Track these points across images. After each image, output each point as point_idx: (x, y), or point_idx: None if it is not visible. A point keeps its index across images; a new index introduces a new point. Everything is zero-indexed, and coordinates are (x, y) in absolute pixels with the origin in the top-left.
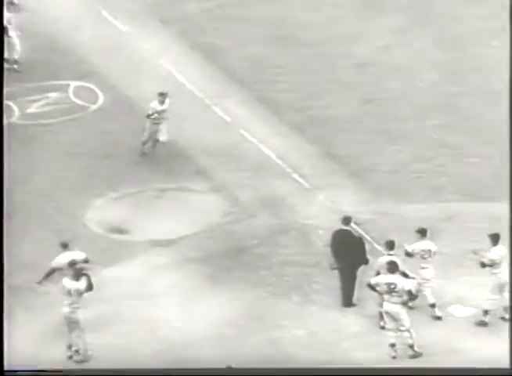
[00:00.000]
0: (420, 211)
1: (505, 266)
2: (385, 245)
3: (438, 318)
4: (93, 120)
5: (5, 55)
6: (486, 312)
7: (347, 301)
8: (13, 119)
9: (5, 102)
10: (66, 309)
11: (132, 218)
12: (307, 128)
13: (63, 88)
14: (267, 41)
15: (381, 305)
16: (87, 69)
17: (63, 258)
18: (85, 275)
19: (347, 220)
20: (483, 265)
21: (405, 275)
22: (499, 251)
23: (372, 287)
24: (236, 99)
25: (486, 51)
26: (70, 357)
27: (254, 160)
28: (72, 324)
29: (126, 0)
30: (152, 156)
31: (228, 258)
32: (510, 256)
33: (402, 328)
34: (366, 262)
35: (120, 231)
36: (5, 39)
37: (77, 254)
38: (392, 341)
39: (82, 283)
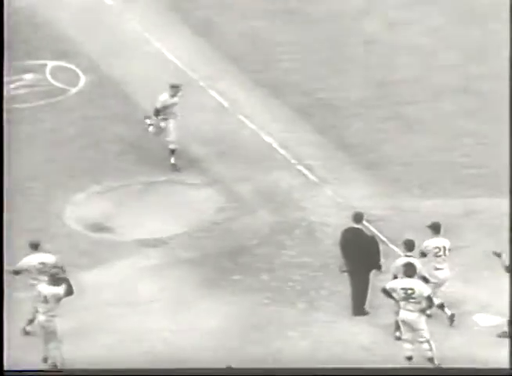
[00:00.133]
0: (440, 206)
1: None
2: (403, 246)
3: (452, 318)
4: (73, 104)
5: None
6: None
7: (359, 308)
8: None
9: None
10: (41, 318)
11: (117, 215)
12: (313, 114)
13: (40, 69)
14: (268, 16)
15: (397, 314)
16: (66, 47)
17: (31, 260)
18: (64, 279)
19: (358, 217)
20: (508, 269)
21: (424, 279)
22: None
23: (387, 293)
24: (234, 81)
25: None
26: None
27: (253, 149)
28: (48, 335)
29: None
30: (139, 145)
31: (224, 259)
32: (510, 255)
33: (421, 339)
34: (379, 266)
35: (102, 229)
36: None
37: (47, 257)
38: (409, 353)
39: (60, 288)
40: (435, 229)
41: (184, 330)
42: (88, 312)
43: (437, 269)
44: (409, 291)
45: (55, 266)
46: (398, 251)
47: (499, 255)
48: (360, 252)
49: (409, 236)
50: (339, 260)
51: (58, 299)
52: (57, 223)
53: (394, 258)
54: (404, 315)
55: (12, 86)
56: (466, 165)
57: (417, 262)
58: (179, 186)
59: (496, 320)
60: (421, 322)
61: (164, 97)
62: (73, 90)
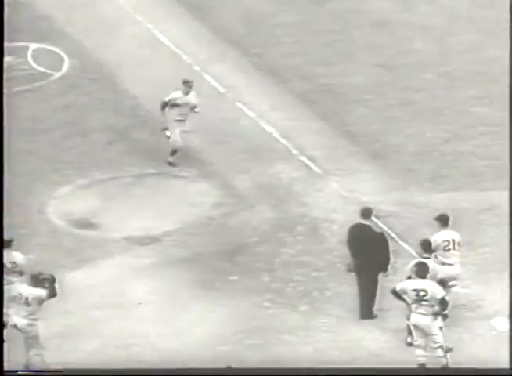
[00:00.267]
0: (455, 201)
1: None
2: (420, 246)
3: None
4: (57, 90)
5: None
6: None
7: (367, 311)
8: None
9: None
10: (22, 322)
11: (104, 211)
12: (316, 100)
13: (21, 52)
14: None
15: (408, 317)
16: (49, 27)
17: None
18: (47, 279)
19: (366, 213)
20: None
21: (442, 283)
22: None
23: (397, 295)
24: (231, 65)
25: None
26: None
27: (252, 139)
28: (30, 340)
29: None
30: (129, 134)
31: (221, 259)
32: (510, 252)
33: (434, 345)
34: (386, 267)
35: (89, 226)
36: None
37: (17, 257)
38: (422, 360)
39: (43, 290)
40: (443, 221)
41: (176, 336)
42: (73, 315)
43: (445, 264)
44: (421, 293)
45: (40, 273)
46: (409, 248)
47: None
48: (368, 250)
49: (421, 233)
50: (345, 259)
51: (40, 302)
52: (39, 219)
53: (405, 256)
54: (416, 319)
55: None
56: (482, 156)
57: (433, 264)
58: (172, 179)
59: None
60: (434, 326)
61: (177, 94)
62: (57, 74)
